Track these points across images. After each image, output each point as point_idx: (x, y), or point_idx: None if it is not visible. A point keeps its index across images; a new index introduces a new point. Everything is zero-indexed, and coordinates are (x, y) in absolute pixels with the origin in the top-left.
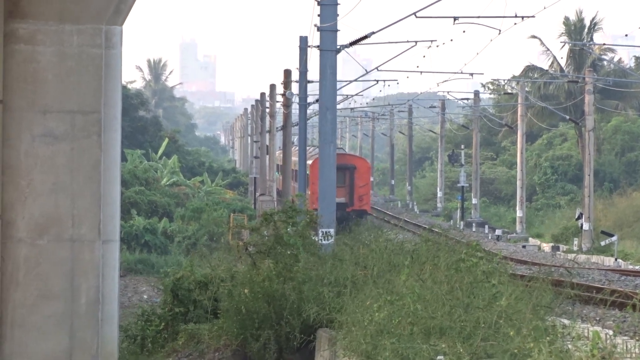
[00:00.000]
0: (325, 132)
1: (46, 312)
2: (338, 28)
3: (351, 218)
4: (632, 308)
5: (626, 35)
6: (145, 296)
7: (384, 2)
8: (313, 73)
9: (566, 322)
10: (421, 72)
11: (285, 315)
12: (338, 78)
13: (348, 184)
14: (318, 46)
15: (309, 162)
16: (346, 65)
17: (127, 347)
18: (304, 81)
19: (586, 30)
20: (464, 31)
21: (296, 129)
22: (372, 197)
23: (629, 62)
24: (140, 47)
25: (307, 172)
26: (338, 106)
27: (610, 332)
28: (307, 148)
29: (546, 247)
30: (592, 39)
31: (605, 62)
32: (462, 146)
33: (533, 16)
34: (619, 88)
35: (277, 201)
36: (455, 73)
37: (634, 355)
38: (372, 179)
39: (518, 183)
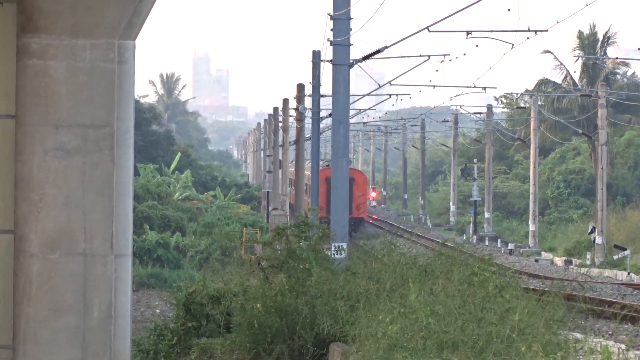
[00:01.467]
0: (338, 147)
1: (58, 326)
2: (351, 42)
3: (350, 225)
4: None
5: (639, 49)
6: (157, 310)
7: (397, 16)
8: (326, 87)
9: (579, 336)
10: (434, 86)
11: (297, 329)
12: (351, 92)
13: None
14: (331, 60)
15: (307, 172)
16: (359, 80)
17: None
18: (316, 95)
19: (599, 44)
20: (477, 45)
21: (309, 143)
22: (384, 211)
23: None
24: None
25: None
26: (351, 120)
27: (623, 347)
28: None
29: (559, 261)
30: (605, 53)
31: (618, 76)
32: (475, 160)
33: (546, 30)
34: (632, 102)
35: (290, 215)
36: (468, 87)
37: None
38: (370, 189)
39: (531, 197)
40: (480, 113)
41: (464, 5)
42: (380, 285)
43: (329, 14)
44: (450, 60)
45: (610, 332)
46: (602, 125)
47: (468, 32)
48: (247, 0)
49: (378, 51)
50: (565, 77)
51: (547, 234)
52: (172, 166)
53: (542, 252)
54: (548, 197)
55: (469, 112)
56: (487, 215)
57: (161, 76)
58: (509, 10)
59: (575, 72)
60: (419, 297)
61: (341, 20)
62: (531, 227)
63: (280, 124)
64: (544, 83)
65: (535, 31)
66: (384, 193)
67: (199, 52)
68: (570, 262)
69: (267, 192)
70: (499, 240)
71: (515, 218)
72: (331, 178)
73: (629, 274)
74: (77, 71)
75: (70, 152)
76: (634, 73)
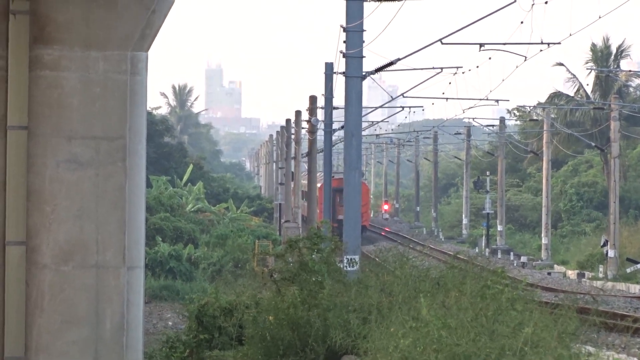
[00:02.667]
0: (351, 159)
1: (71, 337)
2: (364, 54)
3: None
4: None
5: None
6: (170, 323)
7: (410, 29)
8: (338, 99)
9: (591, 349)
10: (447, 98)
11: (310, 342)
12: (363, 104)
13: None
14: (344, 72)
15: (318, 184)
16: (371, 92)
17: None
18: (329, 107)
19: (612, 56)
20: (489, 58)
21: (321, 155)
22: (397, 224)
23: None
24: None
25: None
26: (363, 132)
27: None
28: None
29: (571, 274)
30: (618, 66)
31: (631, 89)
32: (488, 173)
33: (559, 43)
34: None
35: (302, 227)
36: (480, 99)
37: None
38: (371, 198)
39: (543, 210)
40: (493, 125)
41: (477, 17)
42: (392, 298)
43: (341, 26)
44: (463, 72)
45: (623, 346)
46: (614, 138)
47: (481, 45)
48: (260, 12)
49: (391, 63)
50: (578, 89)
51: (560, 247)
52: (185, 178)
53: (555, 265)
54: (561, 210)
55: (482, 125)
56: (499, 228)
57: (174, 88)
58: (522, 22)
59: (588, 84)
60: (431, 310)
61: (354, 33)
62: (544, 240)
63: (293, 136)
64: (556, 96)
65: (549, 44)
66: (396, 205)
67: (212, 64)
68: (583, 275)
69: (280, 204)
70: (511, 253)
71: (528, 231)
72: (343, 190)
73: None
74: (89, 83)
75: (82, 164)
76: None
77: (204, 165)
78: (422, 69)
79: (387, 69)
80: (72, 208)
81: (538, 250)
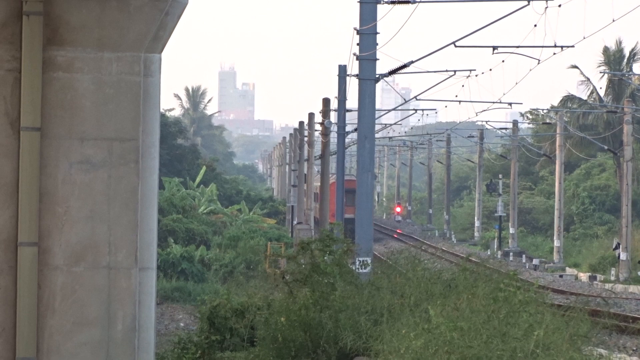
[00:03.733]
0: (364, 161)
1: (82, 339)
2: (377, 57)
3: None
4: None
5: None
6: (181, 324)
7: (423, 31)
8: (352, 102)
9: (603, 352)
10: (460, 101)
11: (321, 343)
12: (377, 107)
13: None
14: (357, 75)
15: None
16: (385, 94)
17: None
18: (342, 110)
19: (625, 60)
20: (503, 61)
21: (334, 157)
22: (409, 226)
23: None
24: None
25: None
26: (376, 135)
27: None
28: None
29: (583, 276)
30: (631, 69)
31: None
32: (500, 176)
33: (572, 46)
34: None
35: (315, 230)
36: (494, 102)
37: None
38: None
39: (556, 213)
40: (505, 129)
41: (491, 20)
42: (404, 300)
43: (355, 29)
44: (476, 75)
45: (634, 348)
46: (627, 142)
47: (494, 48)
48: (273, 14)
49: (404, 66)
50: (591, 93)
51: (572, 250)
52: (197, 180)
53: (567, 268)
54: (573, 213)
55: (495, 128)
56: (512, 230)
57: (187, 90)
58: (535, 25)
59: (601, 88)
60: (443, 312)
61: (367, 35)
62: (556, 243)
63: (306, 138)
64: (569, 99)
65: (562, 47)
66: (409, 208)
67: (225, 66)
68: (595, 278)
69: (292, 206)
70: (523, 256)
71: (540, 234)
72: (356, 192)
73: None
74: (102, 84)
75: (95, 165)
76: None
77: (216, 167)
78: (435, 71)
79: (401, 71)
80: (85, 209)
81: (550, 253)
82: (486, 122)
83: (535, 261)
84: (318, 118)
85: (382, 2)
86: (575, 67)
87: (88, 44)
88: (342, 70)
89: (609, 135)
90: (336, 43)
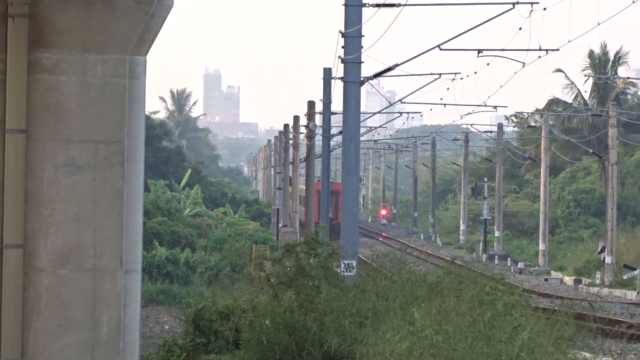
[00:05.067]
0: (349, 164)
1: (67, 341)
2: (362, 60)
3: (337, 228)
4: None
5: None
6: (166, 326)
7: (408, 34)
8: (337, 105)
9: (588, 355)
10: (445, 104)
11: (306, 346)
12: (362, 110)
13: (334, 204)
14: (342, 78)
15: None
16: (370, 97)
17: None
18: (327, 113)
19: (610, 63)
20: (487, 64)
21: (319, 160)
22: (395, 229)
23: None
24: (164, 78)
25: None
26: (361, 138)
27: None
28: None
29: (568, 280)
30: (616, 73)
31: (629, 96)
32: (485, 179)
33: (557, 49)
34: None
35: (300, 232)
36: (479, 106)
37: None
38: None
39: (541, 216)
40: (490, 132)
41: (476, 23)
42: (389, 303)
43: (340, 32)
44: (461, 78)
45: (619, 352)
46: (612, 145)
47: (479, 51)
48: (258, 17)
49: (389, 69)
50: (576, 96)
51: (557, 253)
52: (183, 182)
53: (552, 271)
54: (558, 217)
55: (480, 131)
56: (497, 234)
57: (172, 92)
58: (520, 29)
59: (586, 91)
60: (427, 316)
61: (352, 38)
62: (541, 246)
63: (291, 141)
64: (554, 102)
65: (547, 50)
66: (394, 211)
67: (210, 69)
68: (580, 282)
69: (277, 209)
70: (508, 259)
71: (525, 237)
72: (342, 195)
73: (638, 293)
74: (88, 86)
75: (80, 168)
76: None
77: (202, 170)
78: (420, 74)
79: (386, 74)
80: (70, 212)
81: (535, 257)
82: (471, 125)
83: (520, 264)
84: (303, 121)
85: (367, 5)
86: (560, 70)
87: (73, 46)
88: (327, 73)
89: (594, 139)
90: (321, 46)
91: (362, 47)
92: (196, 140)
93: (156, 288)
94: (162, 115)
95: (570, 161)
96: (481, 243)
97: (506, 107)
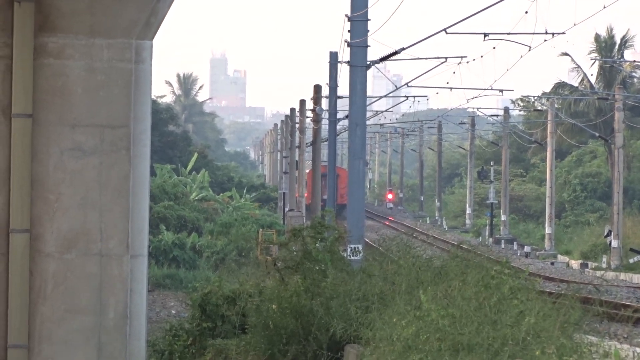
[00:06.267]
0: (355, 148)
1: (74, 326)
2: (368, 44)
3: (337, 209)
4: None
5: None
6: (173, 311)
7: (415, 18)
8: (343, 89)
9: (594, 339)
10: (451, 88)
11: (313, 331)
12: (368, 94)
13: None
14: (348, 62)
15: (307, 170)
16: (376, 81)
17: None
18: (333, 97)
19: (617, 47)
20: (494, 47)
21: (325, 144)
22: (401, 213)
23: None
24: (171, 62)
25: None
26: (368, 122)
27: (638, 350)
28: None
29: (575, 264)
30: (622, 56)
31: (635, 79)
32: (492, 163)
33: (563, 33)
34: None
35: (306, 216)
36: (485, 89)
37: None
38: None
39: (547, 200)
40: (497, 115)
41: (482, 7)
42: (395, 287)
43: (346, 15)
44: (467, 62)
45: (625, 335)
46: (618, 129)
47: (485, 34)
48: (264, 1)
49: (395, 53)
50: (582, 80)
51: (563, 237)
52: (189, 167)
53: (558, 255)
54: (564, 200)
55: (486, 115)
56: (503, 217)
57: (178, 77)
58: (526, 12)
59: (592, 75)
60: (434, 299)
61: (358, 22)
62: (547, 230)
63: (297, 125)
64: (560, 86)
65: (553, 34)
66: (401, 195)
67: (217, 53)
68: (586, 265)
69: (284, 193)
70: (515, 243)
71: (532, 221)
72: (348, 179)
73: None
74: (94, 71)
75: (86, 152)
76: None
77: (208, 154)
78: (426, 58)
79: (392, 58)
80: (76, 196)
81: (541, 240)
82: (477, 109)
83: (526, 248)
84: (309, 105)
85: None
86: (566, 54)
87: (79, 30)
88: (333, 57)
89: (600, 122)
90: (327, 30)
91: (368, 30)
92: (202, 125)
93: (162, 273)
94: (168, 99)
95: (576, 145)
96: (487, 227)
97: (512, 90)
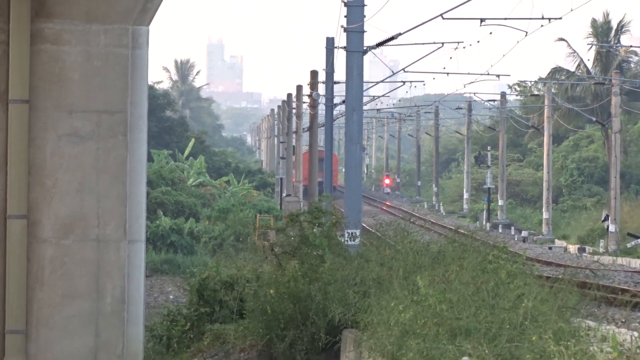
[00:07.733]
0: (352, 133)
1: (71, 311)
2: (365, 29)
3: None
4: None
5: None
6: (171, 296)
7: (411, 3)
8: (340, 74)
9: (591, 323)
10: (448, 73)
11: (310, 315)
12: (365, 79)
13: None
14: (345, 47)
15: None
16: (373, 66)
17: (153, 347)
18: (330, 82)
19: (613, 32)
20: (490, 33)
21: (322, 129)
22: (398, 198)
23: None
24: (168, 48)
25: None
26: (364, 107)
27: (636, 334)
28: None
29: (572, 248)
30: (619, 41)
31: (632, 64)
32: (489, 148)
33: (560, 18)
34: None
35: (304, 202)
36: (481, 74)
37: None
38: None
39: (544, 185)
40: (494, 100)
41: None
42: (392, 272)
43: (343, 1)
44: (464, 47)
45: (623, 320)
46: (615, 113)
47: (482, 20)
48: None
49: (392, 38)
50: (579, 65)
51: (561, 222)
52: (186, 152)
53: (556, 240)
54: (562, 185)
55: (483, 100)
56: (500, 202)
57: (175, 62)
58: None
59: (589, 60)
60: (431, 284)
61: (355, 7)
62: (544, 215)
63: (294, 111)
64: (557, 71)
65: (549, 19)
66: (398, 180)
67: (213, 39)
68: (584, 250)
69: (281, 178)
70: (512, 228)
71: (529, 206)
72: (345, 164)
73: None
74: (90, 57)
75: (83, 138)
76: None
77: (205, 140)
78: (423, 43)
79: (388, 43)
80: (73, 182)
81: (539, 225)
82: (474, 94)
83: (524, 233)
84: (306, 90)
85: None
86: (563, 39)
87: (76, 16)
88: (330, 43)
89: (597, 107)
90: (324, 15)
91: (364, 16)
92: (199, 110)
93: (160, 258)
94: (165, 85)
95: (573, 129)
96: (485, 212)
97: (509, 75)
